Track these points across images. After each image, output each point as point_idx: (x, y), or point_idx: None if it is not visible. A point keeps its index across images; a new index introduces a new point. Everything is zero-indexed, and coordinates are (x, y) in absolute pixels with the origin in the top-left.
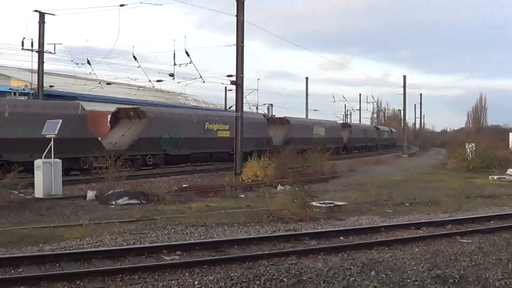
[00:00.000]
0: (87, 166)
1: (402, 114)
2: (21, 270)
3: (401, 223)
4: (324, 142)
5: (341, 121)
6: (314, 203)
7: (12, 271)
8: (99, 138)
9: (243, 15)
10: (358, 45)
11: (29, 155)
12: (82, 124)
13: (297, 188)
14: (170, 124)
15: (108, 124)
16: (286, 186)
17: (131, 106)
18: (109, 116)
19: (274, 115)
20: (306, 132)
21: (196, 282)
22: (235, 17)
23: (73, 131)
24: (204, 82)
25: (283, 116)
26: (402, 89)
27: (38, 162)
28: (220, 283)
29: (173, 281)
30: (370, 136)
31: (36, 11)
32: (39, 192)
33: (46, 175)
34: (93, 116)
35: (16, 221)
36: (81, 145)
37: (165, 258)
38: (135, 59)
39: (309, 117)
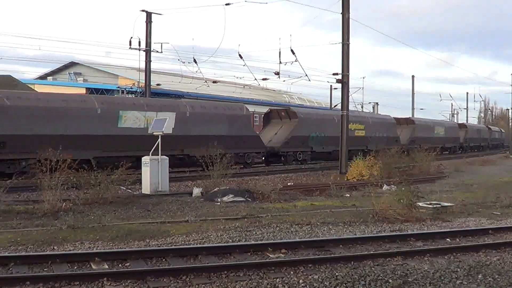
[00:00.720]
0: (250, 160)
1: (510, 113)
2: (128, 264)
3: (510, 225)
4: (443, 142)
5: (447, 120)
6: (420, 204)
7: (120, 265)
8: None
9: (348, 13)
10: (465, 42)
11: (204, 151)
12: (247, 123)
13: (403, 188)
14: (316, 123)
15: (262, 123)
16: (392, 185)
17: (282, 108)
18: (262, 116)
19: (379, 114)
20: (428, 132)
21: (301, 281)
22: (340, 15)
23: (240, 129)
24: (309, 80)
25: (408, 117)
26: (510, 88)
27: (145, 159)
28: (325, 282)
29: (278, 279)
30: (483, 136)
31: (143, 11)
32: (146, 188)
33: (153, 172)
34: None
35: (124, 217)
36: (246, 142)
37: (270, 256)
38: (241, 57)
39: (414, 116)
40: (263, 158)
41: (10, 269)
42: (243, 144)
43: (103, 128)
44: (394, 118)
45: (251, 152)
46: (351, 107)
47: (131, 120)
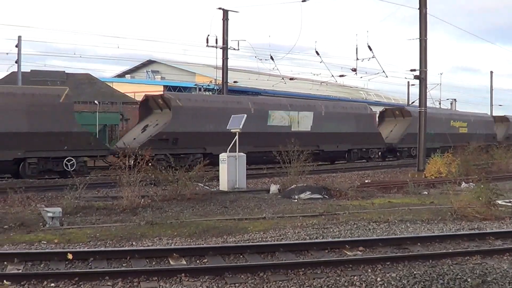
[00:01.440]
0: (373, 155)
1: None
2: (206, 260)
3: None
4: None
5: None
6: (499, 202)
7: (198, 261)
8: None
9: (426, 8)
10: None
11: (335, 146)
12: (371, 121)
13: (481, 186)
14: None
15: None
16: (470, 183)
17: (396, 107)
18: (377, 115)
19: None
20: None
21: (378, 279)
22: (418, 10)
23: (365, 127)
24: (386, 76)
25: (503, 115)
26: None
27: (223, 156)
28: (403, 281)
29: (355, 277)
30: None
31: (220, 8)
32: (223, 185)
33: (230, 169)
34: None
35: (201, 213)
36: (369, 138)
37: (348, 253)
38: (318, 54)
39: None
40: (380, 153)
41: (90, 264)
42: (366, 140)
43: (256, 126)
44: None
45: (374, 148)
46: (428, 104)
47: (277, 118)
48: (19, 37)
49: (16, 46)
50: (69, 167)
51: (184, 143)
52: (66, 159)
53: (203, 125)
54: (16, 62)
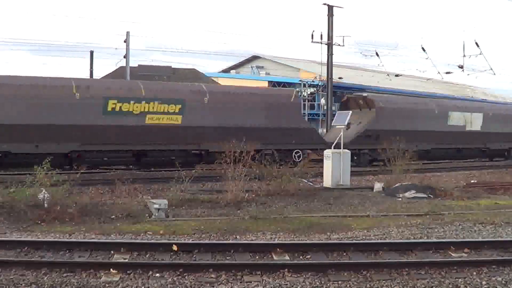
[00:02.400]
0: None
1: None
2: (309, 256)
3: None
4: None
5: None
6: None
7: (301, 257)
8: None
9: None
10: None
11: (499, 145)
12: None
13: None
14: None
15: None
16: None
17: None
18: None
19: None
20: None
21: (483, 282)
22: None
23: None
24: (494, 74)
25: None
26: None
27: (327, 152)
28: (509, 285)
29: (460, 279)
30: None
31: (324, 4)
32: (327, 181)
33: (335, 165)
34: None
35: (305, 209)
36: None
37: (452, 255)
38: (424, 50)
39: None
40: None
41: (194, 256)
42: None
43: (439, 125)
44: None
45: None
46: None
47: (455, 119)
48: (127, 32)
49: (125, 41)
50: (297, 159)
51: (384, 139)
52: (295, 151)
53: (399, 124)
54: (124, 57)
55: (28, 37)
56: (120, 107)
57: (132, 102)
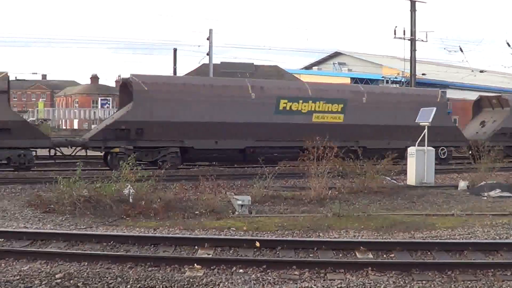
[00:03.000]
0: None
1: None
2: (393, 255)
3: None
4: None
5: None
6: None
7: (385, 256)
8: None
9: None
10: None
11: None
12: None
13: None
14: None
15: None
16: None
17: None
18: None
19: None
20: None
21: None
22: None
23: None
24: None
25: None
26: None
27: (411, 150)
28: None
29: None
30: None
31: None
32: (411, 179)
33: (419, 163)
34: None
35: (389, 207)
36: None
37: None
38: (509, 45)
39: None
40: None
41: (277, 252)
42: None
43: None
44: None
45: None
46: None
47: None
48: (210, 30)
49: (208, 39)
50: (442, 155)
51: None
52: (440, 148)
53: None
54: (207, 54)
55: (110, 35)
56: (290, 106)
57: (300, 101)
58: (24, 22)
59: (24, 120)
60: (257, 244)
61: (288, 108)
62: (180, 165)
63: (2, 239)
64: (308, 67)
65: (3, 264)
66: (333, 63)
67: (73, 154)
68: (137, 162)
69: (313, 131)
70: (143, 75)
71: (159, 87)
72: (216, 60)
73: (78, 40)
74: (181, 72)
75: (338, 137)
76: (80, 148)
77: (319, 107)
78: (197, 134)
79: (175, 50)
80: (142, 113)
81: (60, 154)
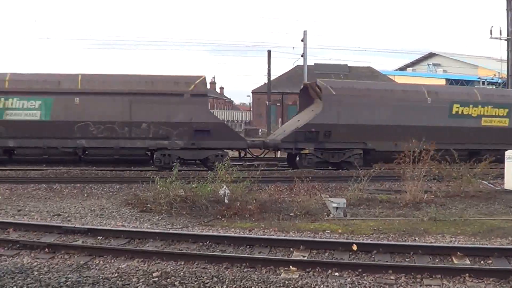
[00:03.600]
0: None
1: None
2: (490, 261)
3: None
4: None
5: None
6: None
7: (482, 262)
8: None
9: None
10: None
11: None
12: None
13: None
14: None
15: None
16: None
17: None
18: None
19: None
20: None
21: None
22: None
23: None
24: None
25: None
26: None
27: (509, 153)
28: None
29: None
30: None
31: None
32: (509, 184)
33: None
34: None
35: (486, 212)
36: None
37: None
38: None
39: None
40: None
41: (373, 256)
42: None
43: None
44: None
45: None
46: None
47: None
48: (305, 31)
49: (302, 41)
50: None
51: None
52: None
53: None
54: (301, 55)
55: (207, 37)
56: (462, 110)
57: (470, 106)
58: (122, 25)
59: (222, 122)
60: (354, 247)
61: (460, 112)
62: (362, 166)
63: (101, 237)
64: (403, 68)
65: (101, 262)
66: (428, 64)
67: (261, 155)
68: (323, 163)
69: (482, 135)
70: (329, 80)
71: (345, 92)
72: (310, 61)
73: (174, 42)
74: (275, 74)
75: (505, 140)
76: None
77: (487, 111)
78: (379, 136)
79: (269, 51)
80: (330, 117)
81: (250, 156)
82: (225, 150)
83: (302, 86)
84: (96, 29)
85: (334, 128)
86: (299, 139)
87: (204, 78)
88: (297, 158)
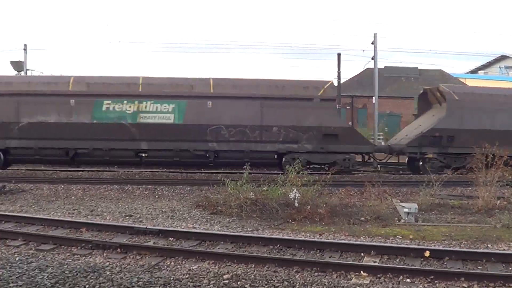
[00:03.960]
0: None
1: None
2: None
3: None
4: None
5: None
6: None
7: None
8: None
9: None
10: None
11: None
12: None
13: None
14: None
15: None
16: None
17: None
18: None
19: None
20: None
21: None
22: None
23: None
24: None
25: None
26: None
27: None
28: None
29: None
30: None
31: None
32: None
33: None
34: None
35: None
36: None
37: None
38: None
39: None
40: None
41: (445, 263)
42: None
43: None
44: None
45: None
46: None
47: None
48: (375, 34)
49: (372, 43)
50: None
51: None
52: None
53: None
54: (372, 58)
55: (278, 40)
56: None
57: None
58: (194, 28)
59: (350, 126)
60: (427, 253)
61: None
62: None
63: (172, 238)
64: (474, 71)
65: (172, 263)
66: (499, 67)
67: (384, 160)
68: (444, 167)
69: None
70: (451, 86)
71: (467, 97)
72: (381, 64)
73: (242, 45)
74: (345, 77)
75: None
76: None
77: None
78: (500, 141)
79: (339, 54)
80: (453, 121)
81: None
82: (352, 154)
83: (421, 91)
84: (166, 32)
85: (457, 133)
86: (423, 144)
87: (332, 82)
88: (420, 163)
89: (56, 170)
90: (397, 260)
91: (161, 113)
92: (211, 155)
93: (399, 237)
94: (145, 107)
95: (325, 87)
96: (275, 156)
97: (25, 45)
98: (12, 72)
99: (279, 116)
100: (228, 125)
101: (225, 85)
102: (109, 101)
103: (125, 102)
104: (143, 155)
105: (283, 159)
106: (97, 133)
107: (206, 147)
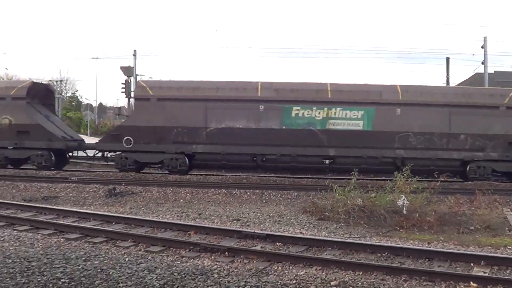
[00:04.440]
0: None
1: None
2: None
3: None
4: None
5: None
6: None
7: None
8: None
9: None
10: None
11: None
12: None
13: None
14: None
15: None
16: None
17: None
18: None
19: None
20: None
21: None
22: None
23: None
24: None
25: None
26: None
27: None
28: None
29: None
30: None
31: None
32: None
33: None
34: None
35: None
36: None
37: None
38: None
39: None
40: None
41: None
42: None
43: None
44: None
45: None
46: None
47: None
48: (485, 37)
49: (482, 47)
50: None
51: None
52: None
53: None
54: (482, 63)
55: (386, 45)
56: None
57: None
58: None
59: None
60: None
61: None
62: None
63: (279, 243)
64: None
65: (279, 268)
66: None
67: None
68: None
69: None
70: None
71: None
72: (491, 69)
73: (348, 50)
74: (454, 82)
75: None
76: None
77: None
78: None
79: (447, 59)
80: None
81: None
82: None
83: None
84: (272, 38)
85: None
86: None
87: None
88: None
89: (164, 174)
90: (508, 271)
91: (350, 120)
92: (398, 162)
93: (510, 247)
94: (335, 113)
95: (509, 95)
96: (459, 164)
97: (135, 50)
98: (122, 77)
99: (466, 124)
100: (417, 133)
101: (413, 92)
102: (298, 107)
103: (314, 108)
104: (327, 161)
105: (468, 167)
106: (286, 139)
107: (394, 154)
